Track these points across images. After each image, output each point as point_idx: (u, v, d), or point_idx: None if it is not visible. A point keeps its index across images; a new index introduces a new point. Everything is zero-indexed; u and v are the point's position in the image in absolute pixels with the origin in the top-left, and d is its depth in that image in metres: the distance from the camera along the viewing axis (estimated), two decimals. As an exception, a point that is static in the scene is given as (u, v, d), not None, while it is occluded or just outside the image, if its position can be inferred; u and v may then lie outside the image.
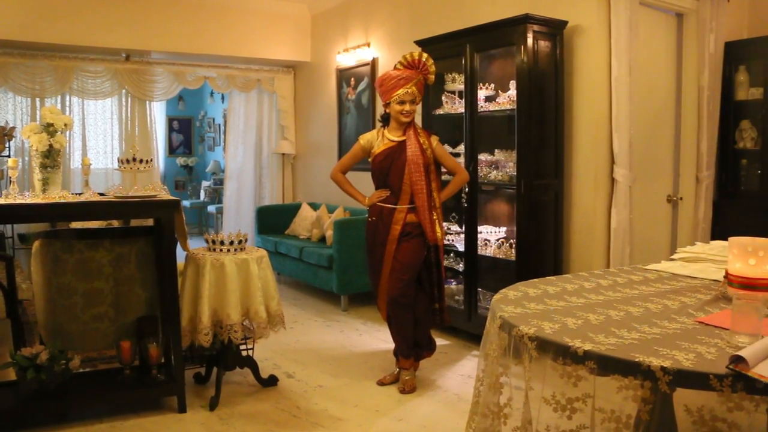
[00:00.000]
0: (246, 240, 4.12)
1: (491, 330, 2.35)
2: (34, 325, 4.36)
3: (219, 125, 12.14)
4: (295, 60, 8.42)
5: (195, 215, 12.09)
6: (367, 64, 7.08)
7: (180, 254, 3.88)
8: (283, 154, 8.97)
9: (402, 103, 4.09)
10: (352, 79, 7.38)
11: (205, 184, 12.31)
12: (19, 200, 3.59)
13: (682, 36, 5.13)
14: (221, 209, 9.68)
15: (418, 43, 5.31)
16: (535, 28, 4.48)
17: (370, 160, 4.26)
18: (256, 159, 9.08)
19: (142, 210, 3.90)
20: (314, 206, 7.71)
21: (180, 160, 12.67)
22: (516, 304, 2.41)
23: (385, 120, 4.27)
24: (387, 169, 4.18)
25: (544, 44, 4.55)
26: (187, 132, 13.06)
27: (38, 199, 3.64)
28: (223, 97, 11.24)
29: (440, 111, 5.30)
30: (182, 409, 3.82)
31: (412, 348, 4.28)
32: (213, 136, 12.62)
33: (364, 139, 4.31)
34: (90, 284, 4.01)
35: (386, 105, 4.20)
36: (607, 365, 1.82)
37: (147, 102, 8.31)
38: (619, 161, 4.54)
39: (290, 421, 3.69)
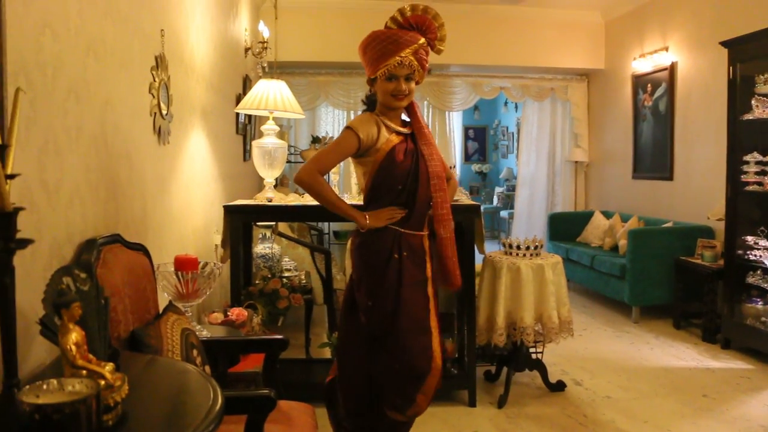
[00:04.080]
0: (541, 246, 4.18)
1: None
2: (344, 313, 4.88)
3: (512, 133, 12.42)
4: (588, 68, 8.35)
5: (488, 220, 12.48)
6: (664, 69, 6.78)
7: (477, 256, 4.02)
8: (576, 161, 8.92)
9: (393, 78, 2.80)
10: (649, 85, 7.12)
11: (498, 189, 12.68)
12: (340, 203, 4.03)
13: None
14: (513, 214, 9.90)
15: (723, 43, 5.04)
16: None
17: (372, 159, 2.87)
18: (548, 166, 9.13)
19: (448, 213, 4.13)
20: (607, 214, 7.58)
21: (475, 167, 13.22)
22: None
23: (371, 104, 2.97)
24: (408, 175, 2.87)
25: None
26: (481, 140, 13.58)
27: (355, 200, 3.90)
28: (516, 106, 11.48)
29: (749, 116, 4.90)
30: (472, 403, 3.99)
31: None
32: (506, 144, 12.95)
33: (363, 131, 2.82)
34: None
35: (371, 82, 2.92)
36: None
37: (446, 112, 8.85)
38: None
39: (576, 429, 3.69)
